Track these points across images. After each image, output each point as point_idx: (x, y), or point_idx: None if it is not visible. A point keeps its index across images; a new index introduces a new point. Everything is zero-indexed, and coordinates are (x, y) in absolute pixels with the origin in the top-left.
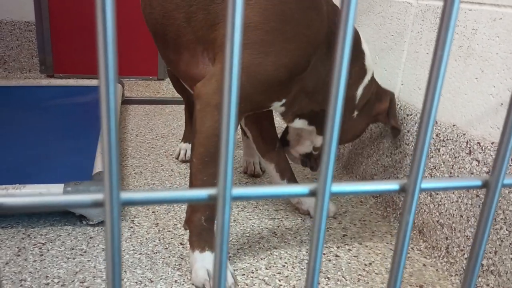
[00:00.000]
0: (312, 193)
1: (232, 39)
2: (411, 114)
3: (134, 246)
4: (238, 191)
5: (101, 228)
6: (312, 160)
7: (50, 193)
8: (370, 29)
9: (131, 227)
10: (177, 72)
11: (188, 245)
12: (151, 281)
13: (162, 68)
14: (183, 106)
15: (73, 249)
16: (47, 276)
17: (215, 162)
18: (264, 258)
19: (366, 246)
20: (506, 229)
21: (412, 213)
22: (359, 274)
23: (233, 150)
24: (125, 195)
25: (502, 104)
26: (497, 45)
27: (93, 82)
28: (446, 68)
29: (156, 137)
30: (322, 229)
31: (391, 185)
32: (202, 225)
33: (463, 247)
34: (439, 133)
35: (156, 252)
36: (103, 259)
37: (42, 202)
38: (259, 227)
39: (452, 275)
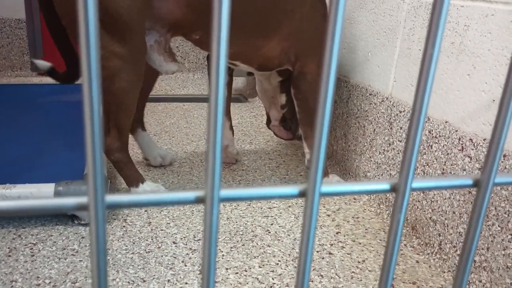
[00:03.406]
0: (302, 194)
1: None
2: (403, 111)
3: (126, 246)
4: (226, 192)
5: None
6: (289, 123)
7: (38, 196)
8: (363, 26)
9: (124, 226)
10: None
11: (181, 243)
12: (144, 281)
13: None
14: (176, 104)
15: (64, 249)
16: (38, 277)
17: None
18: (258, 256)
19: (360, 243)
20: (498, 226)
21: (403, 212)
22: (353, 272)
23: (221, 150)
24: (110, 198)
25: (494, 100)
26: (489, 42)
27: None
28: (436, 64)
29: (148, 134)
30: (312, 230)
31: (382, 185)
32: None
33: (456, 243)
34: (432, 130)
35: (148, 252)
36: None
37: (24, 206)
38: (252, 225)
39: (444, 272)
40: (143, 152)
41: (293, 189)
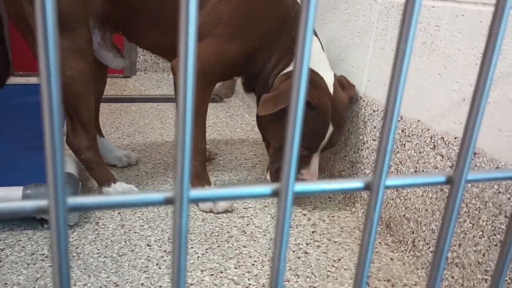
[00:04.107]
0: (275, 193)
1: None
2: (377, 110)
3: (98, 249)
4: (197, 193)
5: None
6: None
7: (5, 199)
8: (336, 26)
9: (96, 229)
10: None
11: (155, 245)
12: (117, 285)
13: (128, 65)
14: (149, 104)
15: (33, 254)
16: (6, 284)
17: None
18: (233, 258)
19: (335, 242)
20: (470, 222)
21: (377, 210)
22: (328, 270)
23: (190, 151)
24: (73, 200)
25: (464, 99)
26: (459, 41)
27: None
28: (409, 63)
29: (122, 135)
30: (286, 229)
31: (356, 183)
32: (198, 169)
33: (429, 240)
34: (404, 129)
35: (121, 255)
36: None
37: None
38: (228, 226)
39: (418, 268)
40: (106, 157)
41: (266, 188)
